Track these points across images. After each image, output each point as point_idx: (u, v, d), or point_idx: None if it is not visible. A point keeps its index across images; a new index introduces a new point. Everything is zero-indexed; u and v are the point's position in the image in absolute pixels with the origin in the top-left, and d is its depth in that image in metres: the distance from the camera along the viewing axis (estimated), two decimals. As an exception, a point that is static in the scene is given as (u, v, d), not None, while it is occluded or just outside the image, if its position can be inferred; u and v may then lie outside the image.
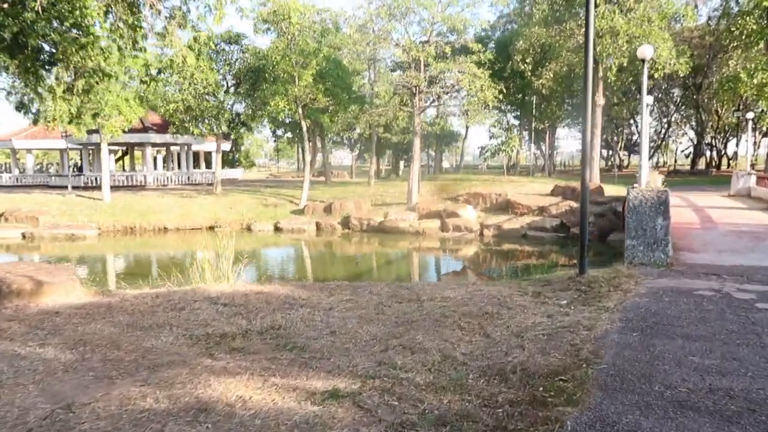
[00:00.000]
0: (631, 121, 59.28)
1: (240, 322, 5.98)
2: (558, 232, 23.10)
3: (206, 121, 29.48)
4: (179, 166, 44.21)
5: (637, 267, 8.13)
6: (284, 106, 27.94)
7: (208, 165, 57.57)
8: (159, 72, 11.04)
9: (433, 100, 26.34)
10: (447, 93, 27.81)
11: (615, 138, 65.67)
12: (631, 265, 8.23)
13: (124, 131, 28.71)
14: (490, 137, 31.00)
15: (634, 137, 64.47)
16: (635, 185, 9.50)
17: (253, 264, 20.10)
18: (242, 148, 76.36)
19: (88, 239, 25.56)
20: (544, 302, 6.54)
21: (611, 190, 25.75)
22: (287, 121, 40.70)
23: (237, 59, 30.42)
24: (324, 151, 43.56)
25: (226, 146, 57.98)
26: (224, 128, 30.64)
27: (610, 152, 66.27)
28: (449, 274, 11.00)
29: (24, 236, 25.75)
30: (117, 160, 53.61)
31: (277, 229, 27.47)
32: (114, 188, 34.44)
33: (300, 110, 28.99)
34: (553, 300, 6.68)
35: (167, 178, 39.64)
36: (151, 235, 27.16)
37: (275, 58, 27.25)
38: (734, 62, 34.07)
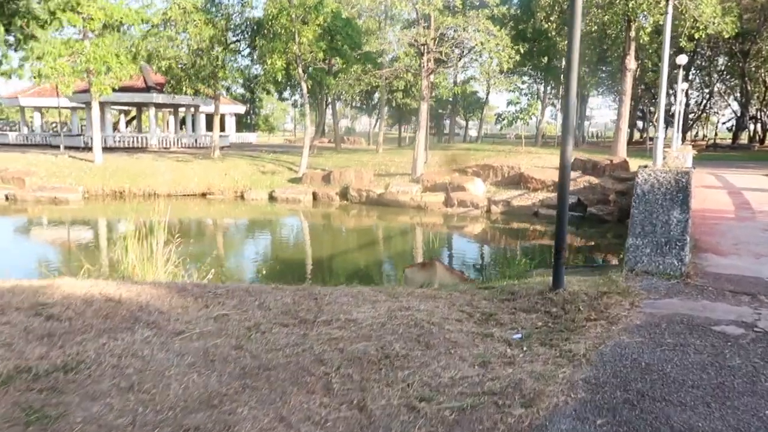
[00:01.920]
0: (670, 91, 55.12)
1: (34, 352, 4.12)
2: (574, 211, 20.69)
3: (203, 80, 27.51)
4: (187, 129, 42.67)
5: (639, 277, 5.96)
6: (282, 65, 25.79)
7: (224, 128, 56.03)
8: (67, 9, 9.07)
9: (444, 61, 23.81)
10: (462, 55, 25.17)
11: (652, 108, 61.64)
12: (631, 273, 6.07)
13: (114, 89, 27.03)
14: (508, 103, 28.40)
15: (673, 108, 60.21)
16: (648, 165, 7.27)
17: (208, 242, 18.02)
18: (261, 111, 74.46)
19: (71, 203, 24.24)
20: (488, 334, 4.49)
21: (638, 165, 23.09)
22: (295, 82, 38.51)
23: (235, 13, 28.27)
24: (334, 115, 41.38)
25: (241, 109, 56.42)
26: (221, 88, 28.66)
27: (646, 124, 62.33)
28: (414, 266, 8.98)
29: (7, 198, 24.58)
30: (128, 122, 52.43)
31: (271, 198, 25.74)
32: (113, 150, 33.12)
33: (300, 70, 26.81)
34: (505, 329, 4.63)
35: (172, 140, 38.09)
36: (140, 201, 25.69)
37: (272, 11, 25.00)
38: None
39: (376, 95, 50.27)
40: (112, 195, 26.08)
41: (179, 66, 27.20)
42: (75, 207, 23.62)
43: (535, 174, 22.63)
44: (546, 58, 33.92)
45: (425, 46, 23.24)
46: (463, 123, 63.59)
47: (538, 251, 15.08)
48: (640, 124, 64.42)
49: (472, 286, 6.26)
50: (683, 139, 54.28)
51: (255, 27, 28.02)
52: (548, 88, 39.89)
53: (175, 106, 40.58)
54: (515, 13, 31.82)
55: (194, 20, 26.35)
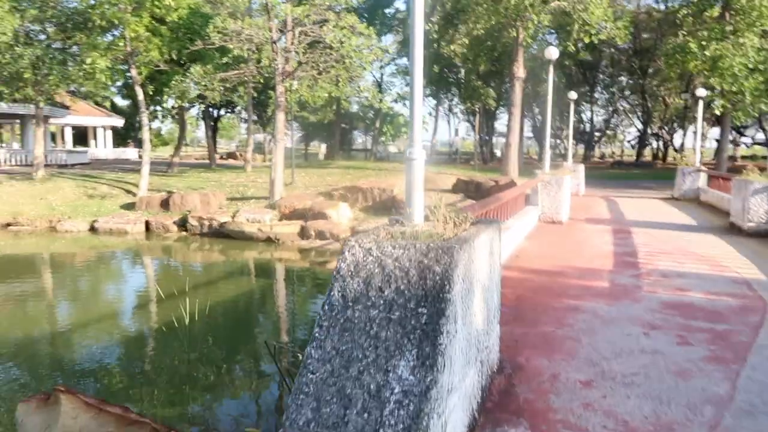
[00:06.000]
0: (580, 107, 53.80)
1: None
2: (449, 244, 17.05)
3: (4, 82, 22.02)
4: (26, 144, 36.30)
5: None
6: (105, 65, 20.87)
7: (96, 143, 49.67)
8: None
9: (302, 63, 19.68)
10: (321, 53, 20.64)
11: (560, 125, 60.76)
12: None
13: None
14: (387, 116, 24.80)
15: (581, 126, 59.19)
16: (357, 233, 2.78)
17: None
18: (150, 125, 67.74)
19: None
20: None
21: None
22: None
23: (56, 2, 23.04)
24: (207, 126, 36.44)
25: (118, 122, 50.66)
26: (38, 94, 23.22)
27: (558, 141, 61.08)
28: (29, 402, 4.62)
29: None
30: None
31: (93, 229, 20.58)
32: None
33: (133, 71, 21.97)
34: None
35: (4, 158, 31.85)
36: None
37: (87, -3, 20.14)
38: (684, 33, 28.75)
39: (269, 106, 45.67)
40: None
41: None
42: None
43: (408, 198, 18.89)
44: (435, 67, 30.61)
45: (275, 45, 19.14)
46: (384, 138, 59.74)
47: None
48: (553, 141, 63.24)
49: None
50: (586, 156, 53.24)
51: (82, 20, 22.95)
52: (438, 99, 36.71)
53: (13, 117, 34.32)
54: (403, 17, 28.39)
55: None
